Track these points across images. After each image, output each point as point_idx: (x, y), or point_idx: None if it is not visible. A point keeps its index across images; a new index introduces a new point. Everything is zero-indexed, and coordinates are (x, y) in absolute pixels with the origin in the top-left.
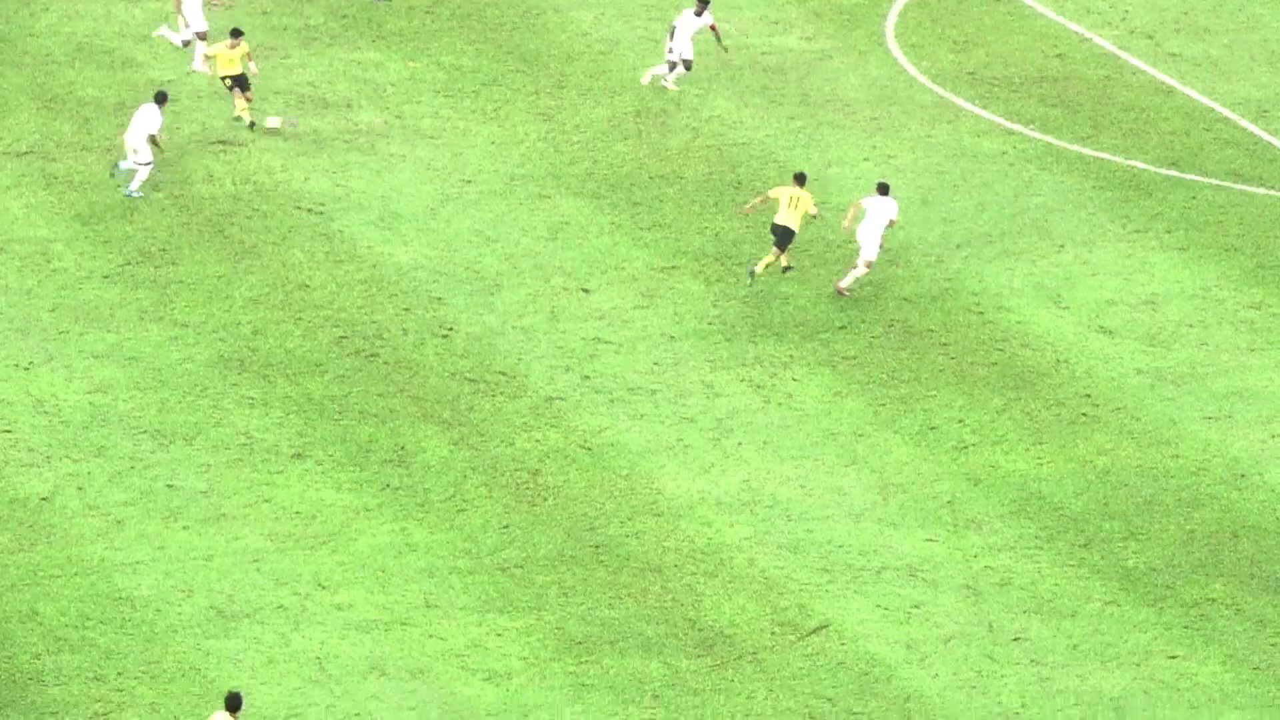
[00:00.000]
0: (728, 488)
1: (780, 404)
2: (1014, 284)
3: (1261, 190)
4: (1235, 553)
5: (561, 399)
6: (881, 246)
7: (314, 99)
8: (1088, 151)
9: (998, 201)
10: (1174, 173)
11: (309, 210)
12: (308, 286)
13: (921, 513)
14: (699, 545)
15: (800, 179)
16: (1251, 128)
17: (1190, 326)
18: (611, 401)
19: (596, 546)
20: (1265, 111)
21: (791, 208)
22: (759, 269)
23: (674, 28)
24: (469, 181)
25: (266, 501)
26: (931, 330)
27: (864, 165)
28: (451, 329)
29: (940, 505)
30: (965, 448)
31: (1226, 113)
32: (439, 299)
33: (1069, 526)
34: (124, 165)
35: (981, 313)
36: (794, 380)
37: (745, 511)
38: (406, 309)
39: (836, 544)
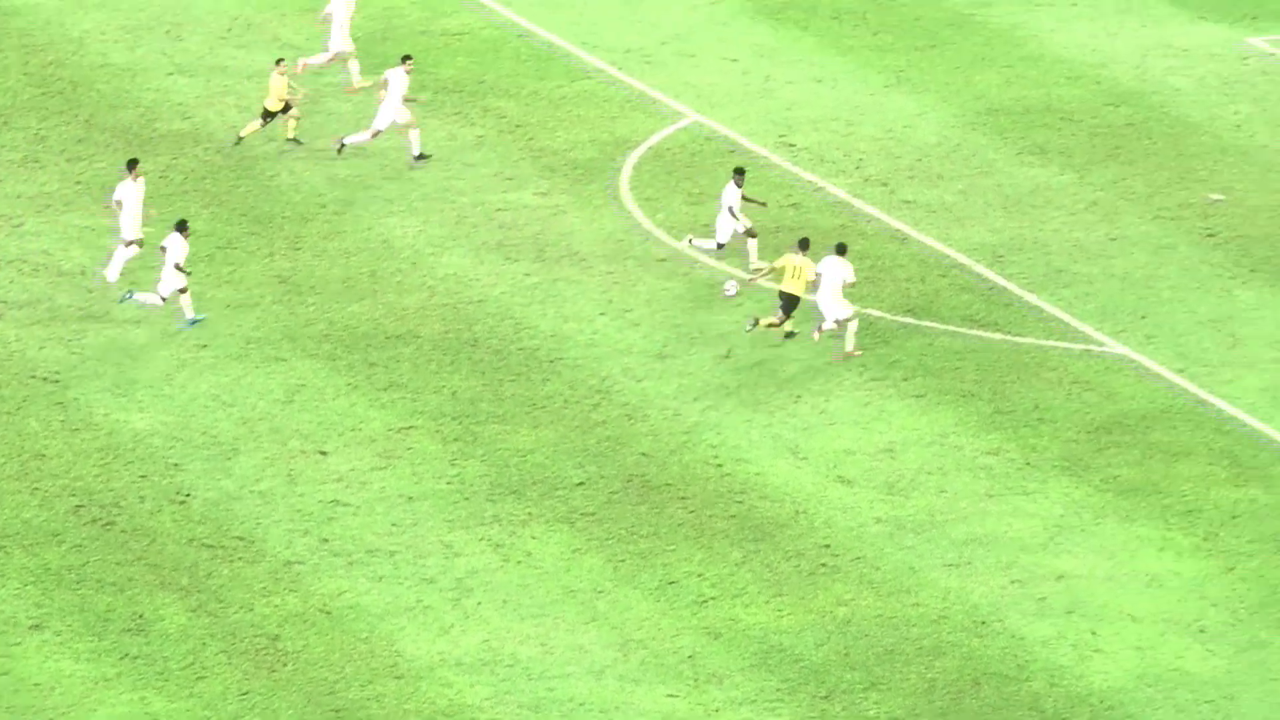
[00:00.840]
0: (468, 648)
1: (520, 562)
2: (751, 435)
3: (997, 335)
4: (977, 700)
5: (300, 563)
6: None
7: (48, 266)
8: None
9: (735, 353)
10: (910, 320)
11: (44, 379)
12: (44, 456)
13: (662, 668)
14: (440, 707)
15: (804, 245)
16: (987, 273)
17: (929, 474)
18: (350, 564)
19: (337, 711)
20: (1000, 257)
21: (794, 277)
22: (760, 324)
23: (720, 204)
24: (204, 346)
25: (4, 674)
26: (670, 484)
27: (600, 320)
28: (189, 495)
29: (681, 660)
30: (705, 601)
31: (961, 258)
32: (176, 465)
33: (810, 678)
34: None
35: (720, 465)
36: (533, 538)
37: (486, 671)
38: (143, 476)
39: (578, 702)
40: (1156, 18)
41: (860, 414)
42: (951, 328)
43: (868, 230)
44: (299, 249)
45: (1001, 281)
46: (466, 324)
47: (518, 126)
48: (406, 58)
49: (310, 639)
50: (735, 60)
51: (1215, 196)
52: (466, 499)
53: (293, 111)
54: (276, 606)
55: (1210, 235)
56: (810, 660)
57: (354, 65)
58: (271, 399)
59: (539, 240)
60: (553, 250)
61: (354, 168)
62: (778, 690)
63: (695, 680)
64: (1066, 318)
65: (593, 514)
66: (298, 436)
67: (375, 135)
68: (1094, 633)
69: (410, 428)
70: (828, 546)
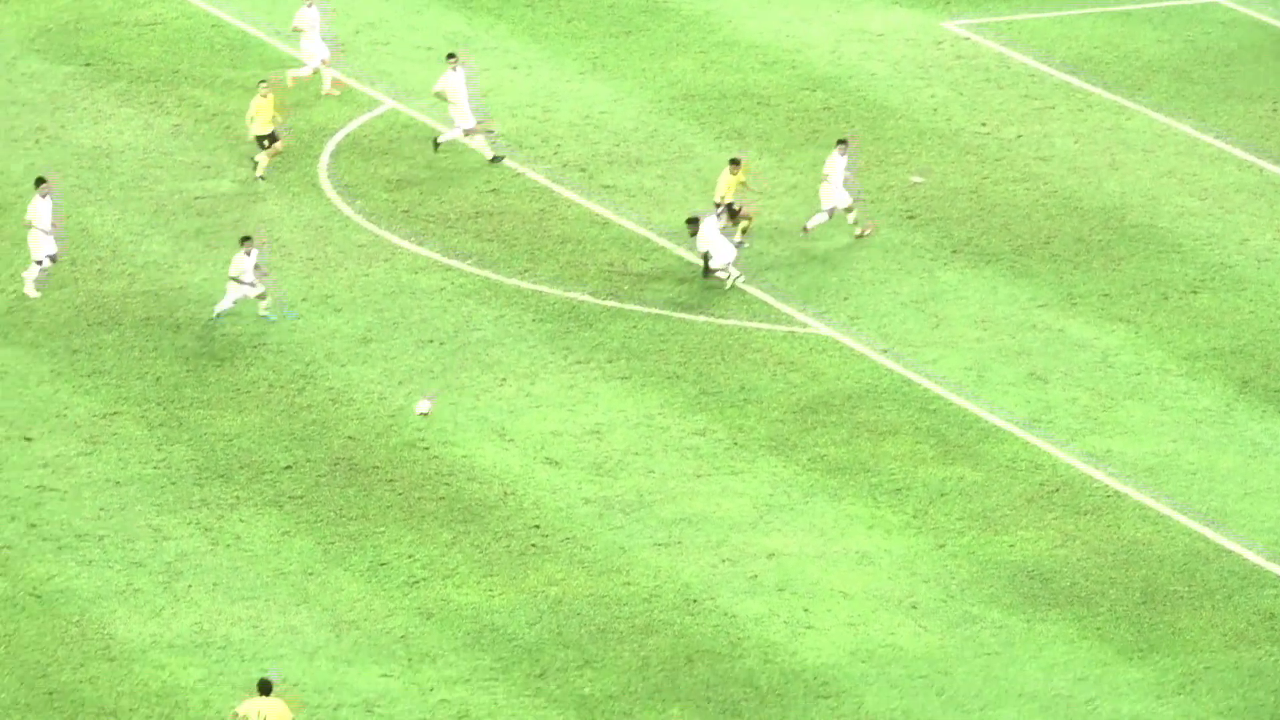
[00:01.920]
0: (180, 630)
1: (229, 545)
2: (458, 418)
3: (702, 318)
4: (691, 678)
5: (9, 548)
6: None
7: None
8: (526, 285)
9: (439, 337)
10: (614, 303)
11: None
12: None
13: (375, 649)
14: (154, 689)
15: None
16: (688, 256)
17: (636, 454)
18: (59, 548)
19: (50, 693)
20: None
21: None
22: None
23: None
24: None
25: None
26: (378, 467)
27: (302, 305)
28: None
29: (394, 640)
30: (416, 582)
31: (663, 242)
32: None
33: (524, 657)
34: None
35: (427, 448)
36: (241, 521)
37: (199, 654)
38: None
39: (291, 683)
40: (851, 3)
41: (566, 396)
42: (655, 310)
43: (569, 215)
44: None
45: (700, 262)
46: (168, 310)
47: (214, 115)
48: (451, 55)
49: (21, 623)
50: (430, 48)
51: (916, 178)
52: (174, 483)
53: (277, 145)
54: None
55: (911, 217)
56: (523, 639)
57: (328, 73)
58: None
59: (239, 227)
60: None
61: (50, 156)
62: (491, 669)
63: (409, 660)
64: (770, 299)
65: (301, 497)
66: (2, 423)
67: (466, 133)
68: (806, 610)
69: (115, 413)
70: (537, 527)
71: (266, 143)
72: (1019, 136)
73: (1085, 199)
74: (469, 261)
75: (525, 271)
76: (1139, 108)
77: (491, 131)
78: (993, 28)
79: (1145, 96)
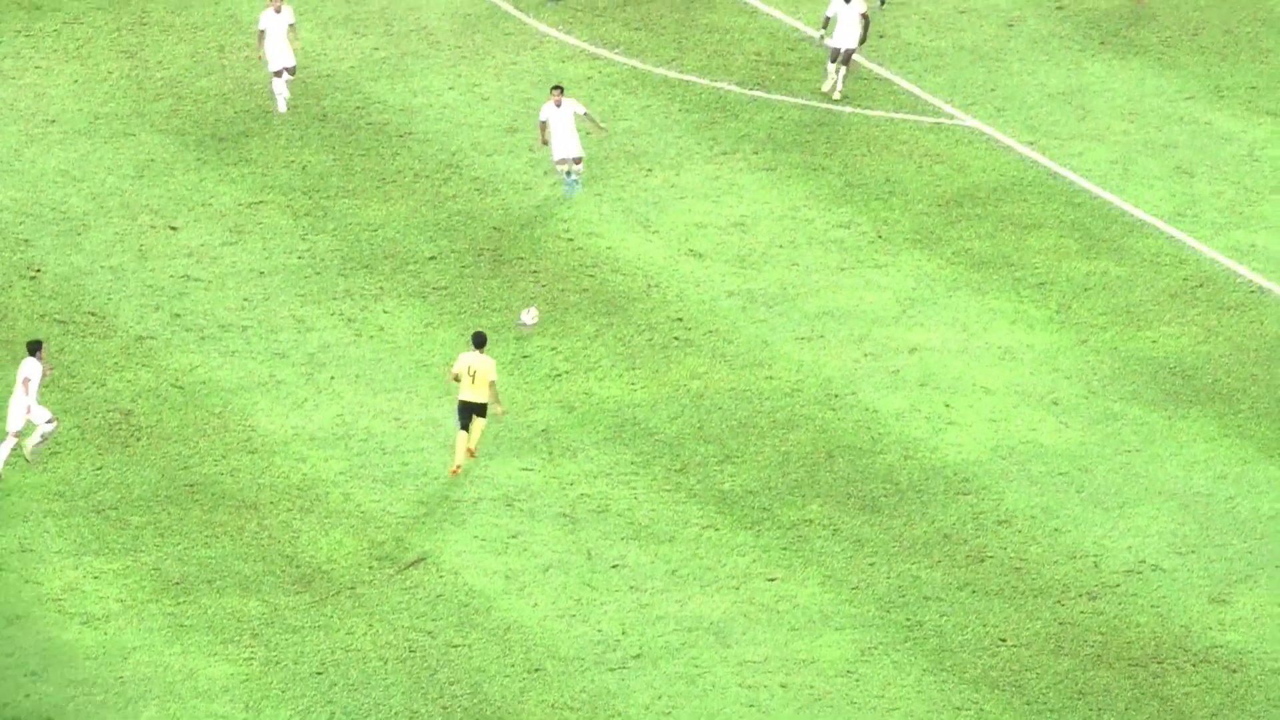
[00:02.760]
0: (321, 422)
1: (372, 337)
2: (602, 210)
3: (848, 109)
4: (831, 473)
5: (152, 338)
6: None
7: None
8: (673, 74)
9: (584, 127)
10: (760, 93)
11: None
12: None
13: (516, 442)
14: (294, 481)
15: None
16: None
17: (780, 247)
18: (203, 339)
19: (191, 486)
20: None
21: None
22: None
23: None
24: (53, 121)
25: None
26: (522, 258)
27: (449, 94)
28: (39, 270)
29: (535, 434)
30: (559, 375)
31: (811, 31)
32: (26, 240)
33: (664, 451)
34: None
35: (571, 239)
36: (385, 313)
37: (340, 446)
38: None
39: (432, 476)
40: None
41: (711, 188)
42: (802, 100)
43: (716, 4)
44: (146, 24)
45: (820, 35)
46: (315, 98)
47: None
48: None
49: (163, 414)
50: None
51: None
52: (318, 273)
53: None
54: (129, 382)
55: (1059, 9)
56: (664, 433)
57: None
58: (121, 174)
59: (386, 14)
60: (400, 24)
61: None
62: (632, 463)
63: (550, 454)
64: (917, 90)
65: (445, 288)
66: (147, 212)
67: None
68: (948, 405)
69: (260, 202)
70: (680, 320)
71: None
72: None
73: None
74: (616, 50)
75: (672, 61)
76: None
77: None
78: None
79: None
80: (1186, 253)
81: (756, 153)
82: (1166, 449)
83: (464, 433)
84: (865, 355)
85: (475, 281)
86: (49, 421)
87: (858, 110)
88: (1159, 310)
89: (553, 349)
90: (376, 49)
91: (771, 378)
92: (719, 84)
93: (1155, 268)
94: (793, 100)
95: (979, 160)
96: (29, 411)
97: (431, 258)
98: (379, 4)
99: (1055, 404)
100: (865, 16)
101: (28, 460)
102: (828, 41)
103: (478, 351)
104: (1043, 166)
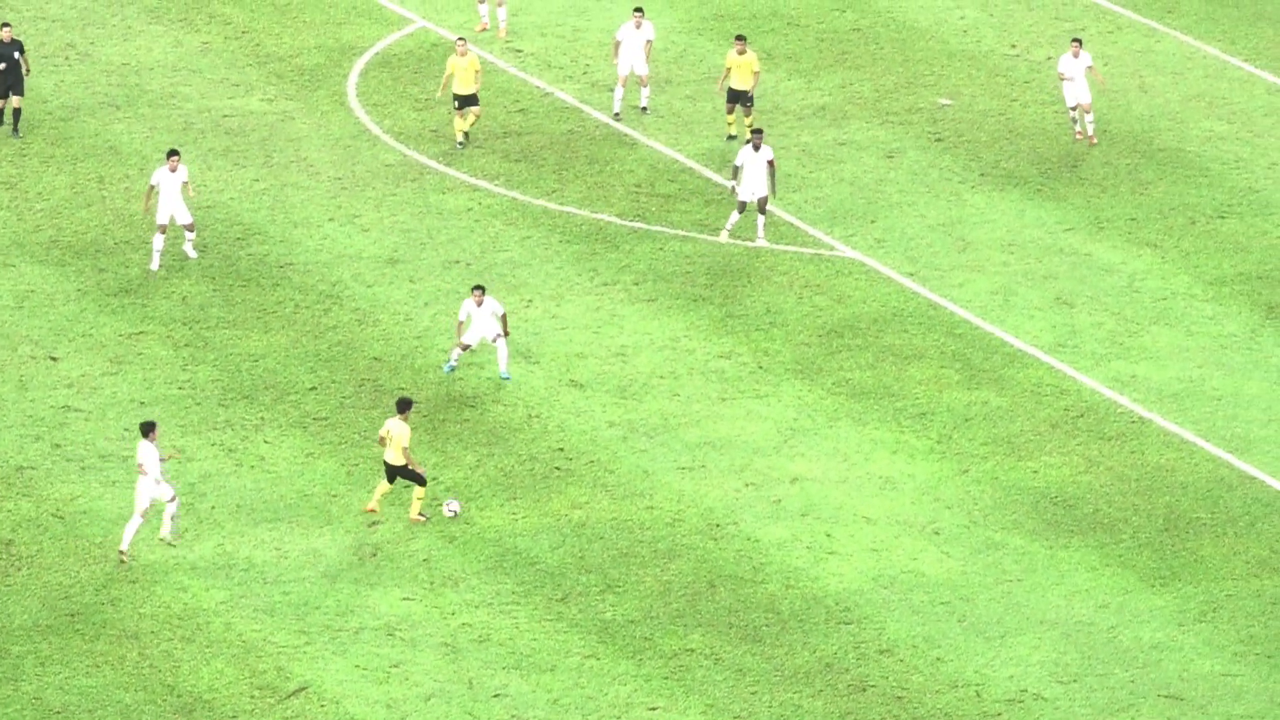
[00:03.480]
0: (203, 552)
1: (253, 466)
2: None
3: (728, 241)
4: (713, 603)
5: (33, 468)
6: None
7: None
8: (553, 206)
9: (465, 258)
10: (641, 225)
11: None
12: None
13: (398, 571)
14: (175, 611)
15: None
16: (715, 178)
17: (661, 378)
18: (84, 469)
19: (72, 615)
20: (729, 162)
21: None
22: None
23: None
24: None
25: None
26: (403, 388)
27: (329, 225)
28: None
29: (416, 564)
30: (440, 505)
31: (690, 164)
32: None
33: (546, 581)
34: None
35: (452, 370)
36: (266, 443)
37: (221, 575)
38: None
39: (313, 605)
40: None
41: (591, 318)
42: (682, 233)
43: (596, 135)
44: (25, 155)
45: (732, 185)
46: (196, 228)
47: (243, 33)
48: (638, 9)
49: (44, 544)
50: None
51: (944, 101)
52: (198, 404)
53: (475, 108)
54: (10, 512)
55: (938, 140)
56: (546, 563)
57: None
58: (1, 304)
59: (266, 145)
60: (280, 155)
61: (79, 74)
62: (514, 593)
63: (431, 583)
64: (797, 222)
65: (325, 418)
66: (27, 342)
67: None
68: (829, 535)
69: (141, 333)
70: (561, 450)
71: (460, 105)
72: (1048, 59)
73: (1113, 122)
74: (496, 182)
75: (553, 192)
76: (1168, 30)
77: None
78: None
79: (1175, 19)
80: (1067, 383)
81: (637, 284)
82: (1048, 578)
83: (386, 484)
84: (746, 485)
85: (356, 412)
86: (171, 500)
87: (737, 241)
88: (1040, 440)
89: (433, 479)
90: (256, 180)
91: (653, 508)
92: (599, 215)
93: (1036, 398)
94: (673, 231)
95: (859, 291)
96: (154, 489)
97: (312, 388)
98: (258, 135)
99: (937, 534)
100: (772, 164)
101: (171, 544)
102: (738, 192)
103: (398, 417)
104: (923, 297)
